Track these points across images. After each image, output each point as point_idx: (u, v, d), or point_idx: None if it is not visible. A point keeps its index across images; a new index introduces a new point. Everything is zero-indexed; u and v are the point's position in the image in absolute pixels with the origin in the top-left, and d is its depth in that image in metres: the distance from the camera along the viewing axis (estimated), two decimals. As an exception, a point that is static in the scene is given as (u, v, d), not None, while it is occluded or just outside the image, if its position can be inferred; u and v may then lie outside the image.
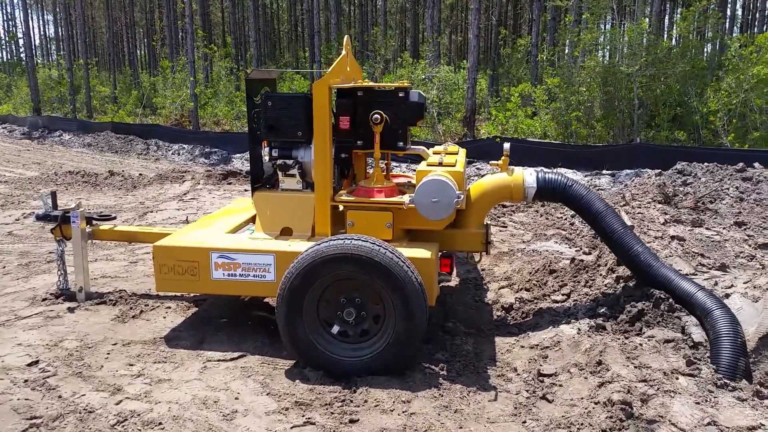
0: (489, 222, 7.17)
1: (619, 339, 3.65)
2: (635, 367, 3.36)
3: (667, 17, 15.45)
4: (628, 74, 11.46)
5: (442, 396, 3.32)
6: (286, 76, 23.87)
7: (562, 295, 4.54)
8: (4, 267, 5.52)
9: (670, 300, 3.78)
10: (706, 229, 6.40)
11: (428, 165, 3.91)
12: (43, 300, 4.57)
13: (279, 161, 4.08)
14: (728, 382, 3.25)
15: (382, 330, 3.52)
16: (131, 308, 4.44)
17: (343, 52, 4.14)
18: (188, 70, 21.39)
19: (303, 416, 3.10)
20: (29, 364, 3.57)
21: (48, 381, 3.36)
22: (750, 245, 6.08)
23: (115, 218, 4.96)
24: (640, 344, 3.57)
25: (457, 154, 4.44)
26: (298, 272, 3.43)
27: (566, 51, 13.43)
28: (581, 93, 12.31)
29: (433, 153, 4.41)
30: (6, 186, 10.90)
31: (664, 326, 3.74)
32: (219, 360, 3.73)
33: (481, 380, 3.52)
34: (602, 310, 4.08)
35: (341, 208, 4.02)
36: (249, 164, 4.28)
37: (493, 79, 24.02)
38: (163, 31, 34.55)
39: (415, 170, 3.97)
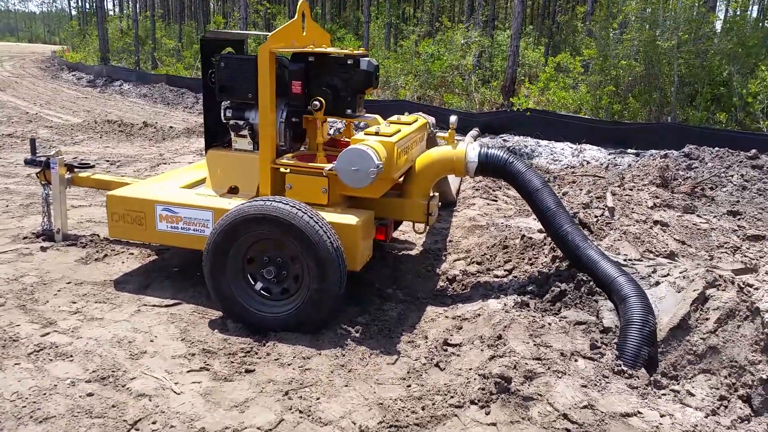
0: (478, 195, 7.19)
1: (531, 317, 3.68)
2: (535, 344, 3.41)
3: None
4: (667, 49, 10.91)
5: (344, 356, 3.48)
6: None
7: (505, 270, 4.57)
8: (7, 206, 6.00)
9: (591, 283, 3.77)
10: (697, 216, 6.21)
11: (365, 134, 4.00)
12: (24, 238, 4.98)
13: (231, 122, 4.26)
14: (626, 369, 3.26)
15: (300, 290, 3.70)
16: (98, 252, 4.78)
17: (295, 16, 4.22)
18: (240, 27, 21.81)
19: (204, 362, 3.33)
20: (-15, 295, 3.96)
21: (-7, 310, 3.73)
22: (739, 236, 5.88)
23: (93, 167, 5.30)
24: (549, 324, 3.60)
25: (410, 124, 4.48)
26: (221, 229, 3.63)
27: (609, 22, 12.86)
28: (619, 66, 11.83)
29: (388, 122, 4.48)
30: (49, 131, 11.60)
31: (581, 308, 3.75)
32: (154, 305, 4.01)
33: (389, 344, 3.66)
34: (531, 287, 4.10)
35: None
36: (203, 123, 4.47)
37: (550, 48, 23.28)
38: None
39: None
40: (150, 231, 4.14)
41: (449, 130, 4.32)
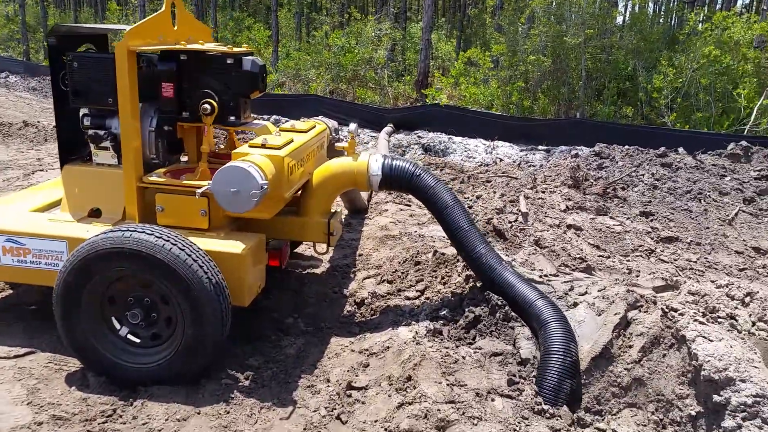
0: (391, 200, 6.79)
1: (444, 349, 3.28)
2: (448, 384, 3.01)
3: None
4: (574, 44, 10.94)
5: (228, 413, 2.94)
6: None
7: (416, 291, 4.17)
8: None
9: (507, 308, 3.43)
10: (610, 218, 6.08)
11: (250, 146, 3.46)
12: None
13: (90, 131, 3.60)
14: (546, 408, 2.93)
15: (173, 335, 3.12)
16: (-64, 289, 3.98)
17: (162, 8, 3.60)
18: (138, 15, 20.34)
19: (51, 435, 2.71)
20: None
21: None
22: (653, 238, 5.79)
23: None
24: (463, 357, 3.22)
25: (305, 132, 3.97)
26: (71, 267, 2.99)
27: (518, 16, 12.83)
28: (528, 62, 11.79)
29: (281, 130, 3.95)
30: None
31: (497, 336, 3.40)
32: (0, 357, 3.31)
33: (285, 393, 3.16)
34: (444, 312, 3.72)
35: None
36: (56, 134, 3.78)
37: (462, 41, 23.32)
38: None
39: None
40: (-8, 267, 3.43)
41: (349, 140, 3.85)
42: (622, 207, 6.26)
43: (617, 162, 7.21)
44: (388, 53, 15.08)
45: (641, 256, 5.33)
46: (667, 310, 3.06)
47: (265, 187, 3.06)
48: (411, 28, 20.65)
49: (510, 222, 5.71)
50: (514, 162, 9.89)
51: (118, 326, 3.14)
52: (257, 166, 3.11)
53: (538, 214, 5.79)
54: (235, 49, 3.61)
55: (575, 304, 3.52)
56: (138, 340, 3.16)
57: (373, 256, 5.15)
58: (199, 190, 3.16)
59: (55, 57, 3.61)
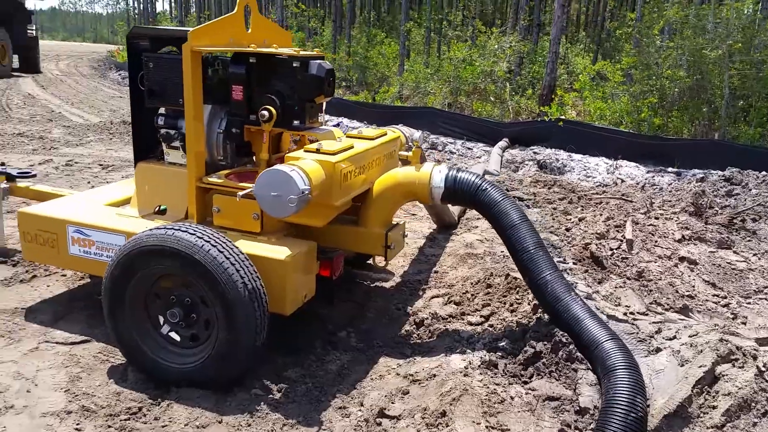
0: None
1: (492, 385, 2.93)
2: (487, 426, 2.68)
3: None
4: (717, 59, 9.83)
5: (249, 426, 2.81)
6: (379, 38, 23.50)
7: (481, 316, 3.81)
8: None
9: (572, 346, 3.00)
10: (734, 253, 5.28)
11: (305, 151, 3.34)
12: (-45, 253, 4.53)
13: (162, 130, 3.69)
14: (601, 469, 2.49)
15: (210, 338, 3.06)
16: (27, 271, 4.28)
17: (235, 9, 3.61)
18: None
19: (75, 425, 2.74)
20: None
21: None
22: (784, 279, 4.93)
23: (35, 176, 4.82)
24: (512, 397, 2.85)
25: (372, 139, 3.79)
26: (117, 261, 3.04)
27: (655, 28, 11.76)
28: (664, 76, 10.77)
29: (347, 136, 3.82)
30: (63, 130, 11.37)
31: (556, 378, 2.98)
32: (58, 342, 3.45)
33: (313, 412, 2.97)
34: (504, 343, 3.35)
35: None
36: (132, 132, 3.91)
37: (599, 55, 22.14)
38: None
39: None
40: (63, 255, 3.60)
41: (413, 149, 3.61)
42: (749, 241, 5.41)
43: (750, 190, 6.28)
44: (515, 67, 14.54)
45: (766, 299, 4.55)
46: (764, 369, 2.49)
47: (306, 192, 2.91)
48: (545, 42, 19.85)
49: (611, 249, 5.14)
50: (638, 184, 9.02)
51: (161, 323, 3.14)
52: (303, 171, 2.97)
53: (647, 243, 5.15)
54: (303, 53, 3.53)
55: (658, 350, 3.01)
56: (178, 339, 3.14)
57: (449, 274, 4.84)
58: (241, 192, 3.08)
59: (135, 58, 3.74)
